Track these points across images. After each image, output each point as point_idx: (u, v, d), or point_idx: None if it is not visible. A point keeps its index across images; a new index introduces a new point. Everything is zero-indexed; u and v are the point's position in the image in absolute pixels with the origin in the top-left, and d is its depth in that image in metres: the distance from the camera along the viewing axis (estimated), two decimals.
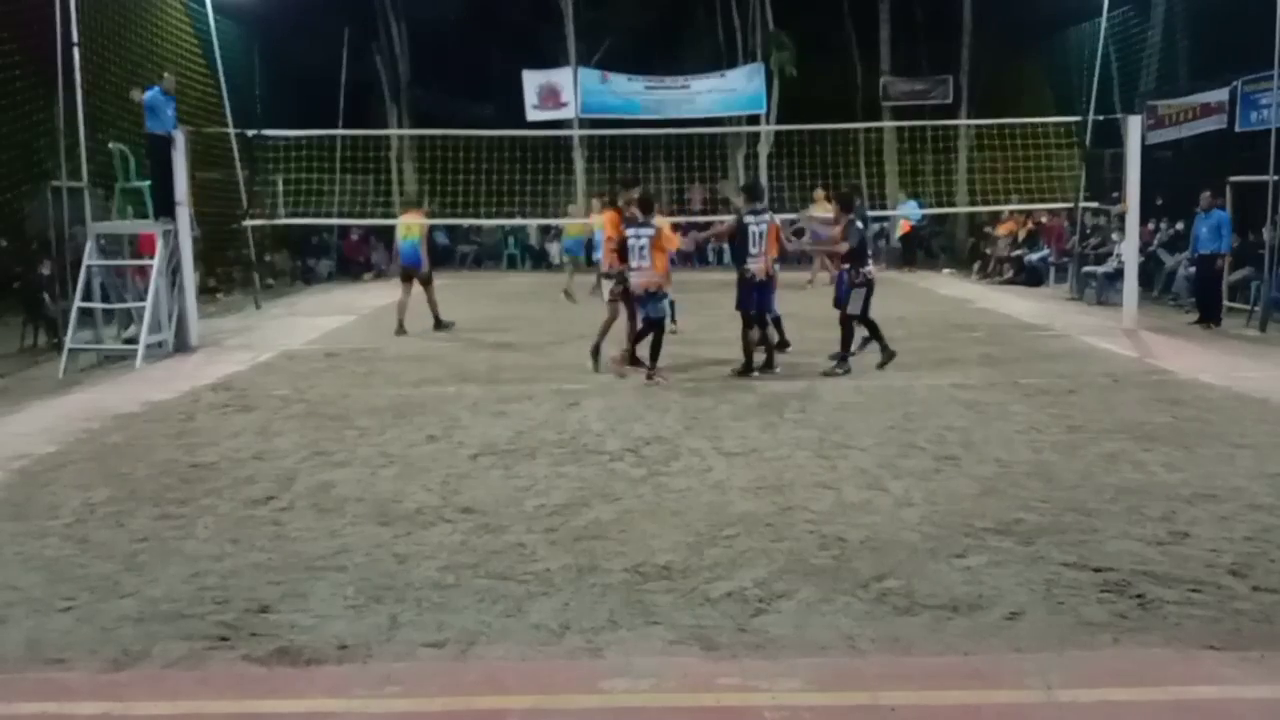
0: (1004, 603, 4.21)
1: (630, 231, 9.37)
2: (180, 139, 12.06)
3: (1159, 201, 16.83)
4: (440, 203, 18.45)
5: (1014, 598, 4.26)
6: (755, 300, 9.52)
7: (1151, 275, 16.04)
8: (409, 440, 7.24)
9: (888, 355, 9.85)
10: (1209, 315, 12.95)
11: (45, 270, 12.52)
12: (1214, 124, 16.43)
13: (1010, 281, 19.33)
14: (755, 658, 3.79)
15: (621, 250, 9.49)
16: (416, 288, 13.15)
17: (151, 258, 11.56)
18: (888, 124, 23.77)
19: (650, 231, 9.29)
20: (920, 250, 23.14)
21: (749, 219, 9.46)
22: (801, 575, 4.55)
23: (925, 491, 5.79)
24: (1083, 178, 16.25)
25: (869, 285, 9.73)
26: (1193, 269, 14.21)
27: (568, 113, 23.88)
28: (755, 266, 9.44)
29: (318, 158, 17.81)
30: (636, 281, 9.37)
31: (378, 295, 18.03)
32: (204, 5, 16.97)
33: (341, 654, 3.85)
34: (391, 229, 24.26)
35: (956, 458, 6.53)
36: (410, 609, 4.25)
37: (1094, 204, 16.95)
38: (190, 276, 12.19)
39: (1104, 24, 18.02)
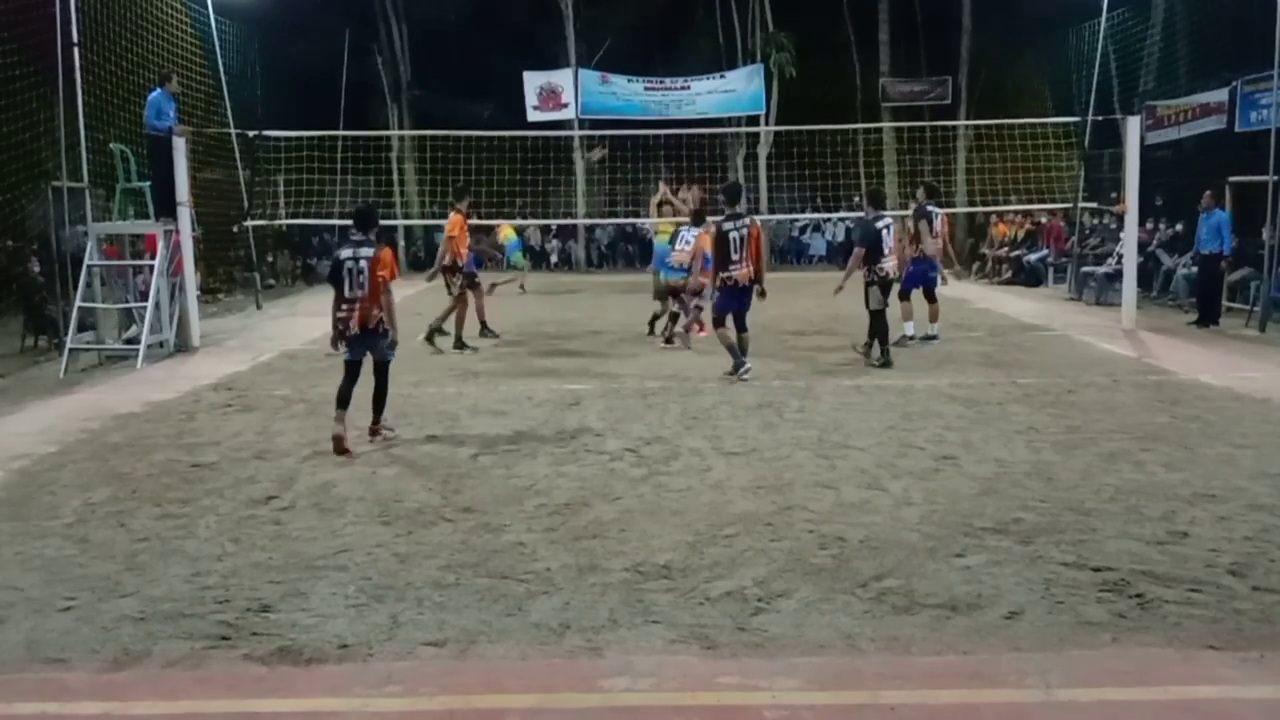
0: (1003, 602, 4.22)
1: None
2: (181, 139, 12.06)
3: (1158, 202, 16.85)
4: (440, 204, 18.47)
5: (1013, 597, 4.26)
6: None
7: (1150, 275, 16.06)
8: (409, 440, 7.24)
9: (885, 361, 9.91)
10: (1208, 315, 12.95)
11: (35, 268, 12.54)
12: (1213, 124, 16.43)
13: (1009, 281, 19.36)
14: (755, 657, 3.79)
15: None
16: None
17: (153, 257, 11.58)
18: (887, 124, 23.78)
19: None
20: None
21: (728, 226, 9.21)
22: (801, 574, 4.55)
23: (924, 491, 5.80)
24: (1081, 178, 16.24)
25: (884, 283, 10.00)
26: (1194, 269, 14.22)
27: (568, 113, 23.91)
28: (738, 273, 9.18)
29: (318, 158, 17.78)
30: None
31: None
32: (204, 5, 16.97)
33: (342, 653, 3.86)
34: (392, 229, 24.56)
35: (955, 457, 6.53)
36: (411, 608, 4.25)
37: (1093, 204, 16.96)
38: (191, 277, 12.20)
39: (1103, 24, 18.03)
